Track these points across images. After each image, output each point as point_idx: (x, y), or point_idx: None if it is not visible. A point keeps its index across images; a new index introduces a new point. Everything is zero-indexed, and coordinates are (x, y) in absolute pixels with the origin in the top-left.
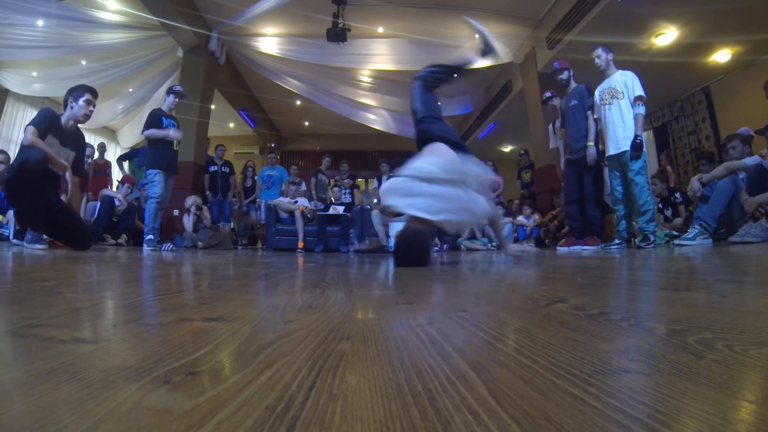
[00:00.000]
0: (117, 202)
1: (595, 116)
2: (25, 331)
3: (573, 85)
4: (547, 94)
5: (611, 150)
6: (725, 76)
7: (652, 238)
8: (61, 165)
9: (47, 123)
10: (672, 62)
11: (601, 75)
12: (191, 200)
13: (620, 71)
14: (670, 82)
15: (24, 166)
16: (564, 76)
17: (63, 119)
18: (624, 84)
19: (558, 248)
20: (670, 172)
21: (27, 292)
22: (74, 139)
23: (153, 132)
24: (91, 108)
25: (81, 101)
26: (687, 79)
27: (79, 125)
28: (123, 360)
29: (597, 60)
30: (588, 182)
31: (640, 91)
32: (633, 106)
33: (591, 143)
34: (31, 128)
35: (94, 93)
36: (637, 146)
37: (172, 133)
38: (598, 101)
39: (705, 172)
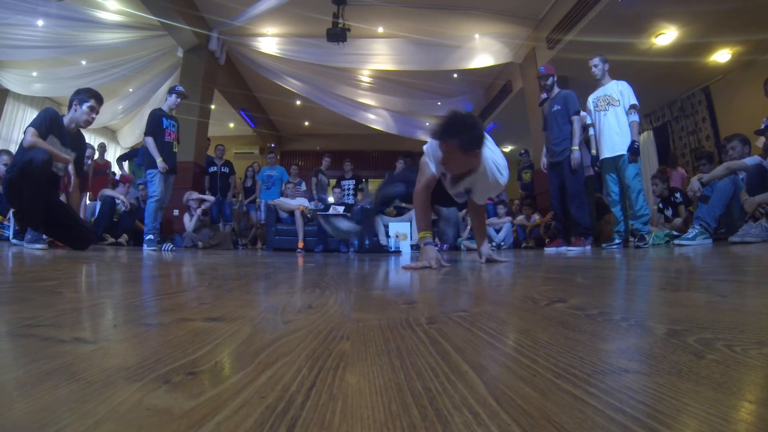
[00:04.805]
0: (118, 202)
1: (589, 122)
2: (25, 331)
3: (556, 90)
4: (543, 95)
5: (606, 153)
6: (725, 76)
7: (647, 239)
8: (63, 159)
9: (48, 124)
10: (672, 62)
11: (595, 82)
12: (188, 195)
13: (615, 81)
14: (670, 82)
15: (28, 166)
16: (549, 81)
17: (66, 120)
18: (620, 92)
19: (546, 249)
20: (684, 174)
21: (27, 292)
22: (75, 140)
23: (151, 148)
24: (94, 115)
25: (85, 106)
26: (687, 79)
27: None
28: (123, 360)
29: (594, 69)
30: (570, 184)
31: (634, 99)
32: (627, 114)
33: (576, 147)
34: (32, 130)
35: (99, 100)
36: (634, 151)
37: (160, 166)
38: (592, 107)
39: (705, 172)
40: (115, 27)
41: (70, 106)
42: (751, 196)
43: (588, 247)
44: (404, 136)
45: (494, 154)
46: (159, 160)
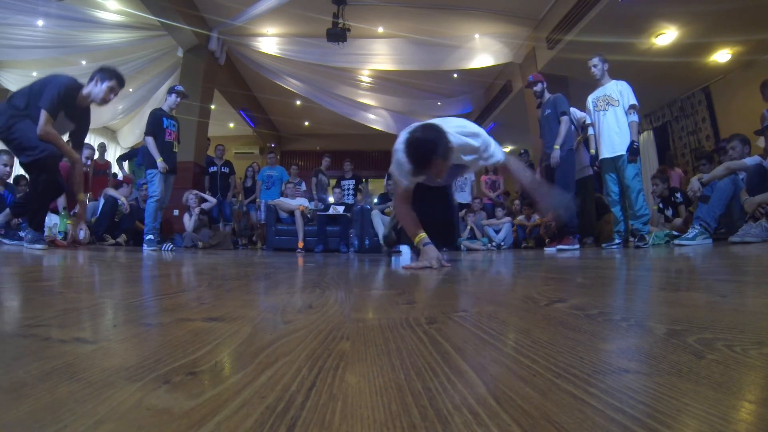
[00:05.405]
0: (119, 202)
1: (589, 121)
2: (25, 331)
3: (547, 96)
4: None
5: (606, 153)
6: (725, 76)
7: (647, 239)
8: (72, 155)
9: (62, 99)
10: (672, 62)
11: (595, 82)
12: (188, 194)
13: (614, 81)
14: (670, 82)
15: (49, 162)
16: (538, 88)
17: (83, 91)
18: (619, 92)
19: (545, 249)
20: (681, 174)
21: (27, 292)
22: (81, 114)
23: (151, 148)
24: (112, 95)
25: (105, 85)
26: (687, 79)
27: (92, 105)
28: (123, 360)
29: (593, 69)
30: (557, 184)
31: (633, 100)
32: (627, 114)
33: (557, 146)
34: (45, 115)
35: (121, 81)
36: (634, 151)
37: (160, 166)
38: (591, 108)
39: (705, 172)
40: (115, 27)
41: (90, 80)
42: (751, 196)
43: (577, 246)
44: None
45: (448, 124)
46: (159, 160)
